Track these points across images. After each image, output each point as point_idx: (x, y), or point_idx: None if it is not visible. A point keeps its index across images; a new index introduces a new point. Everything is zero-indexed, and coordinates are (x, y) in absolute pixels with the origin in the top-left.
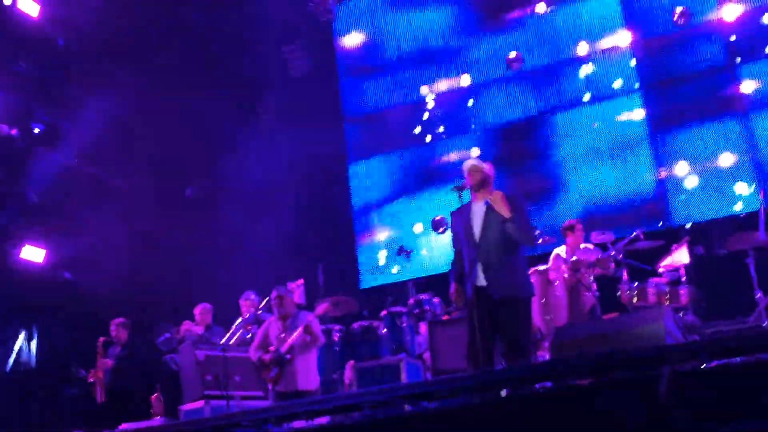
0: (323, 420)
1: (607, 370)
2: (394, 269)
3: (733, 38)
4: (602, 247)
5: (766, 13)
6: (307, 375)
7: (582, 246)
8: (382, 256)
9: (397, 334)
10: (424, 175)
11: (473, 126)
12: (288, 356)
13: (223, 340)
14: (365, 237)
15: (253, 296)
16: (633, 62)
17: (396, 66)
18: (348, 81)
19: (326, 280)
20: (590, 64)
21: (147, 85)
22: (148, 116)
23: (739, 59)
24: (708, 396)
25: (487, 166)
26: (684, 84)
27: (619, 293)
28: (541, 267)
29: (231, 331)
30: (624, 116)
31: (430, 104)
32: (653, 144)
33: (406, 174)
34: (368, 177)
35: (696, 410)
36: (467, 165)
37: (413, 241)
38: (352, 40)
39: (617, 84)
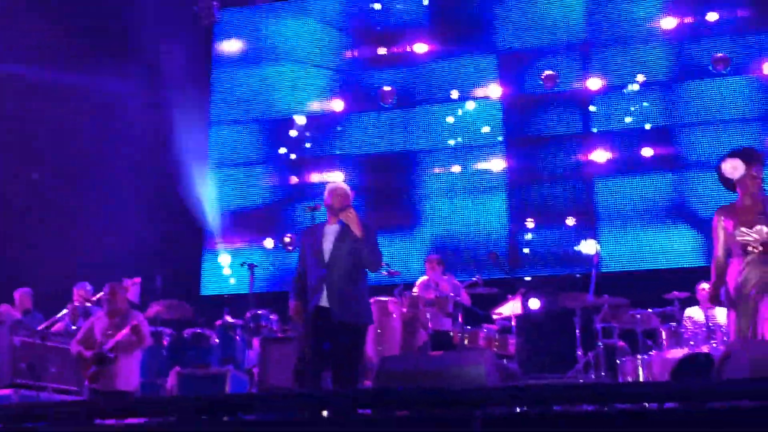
0: (135, 421)
1: (423, 404)
2: (237, 281)
3: (592, 108)
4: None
5: (627, 86)
6: (128, 376)
7: (432, 282)
8: (227, 266)
9: (229, 345)
10: (283, 191)
11: (338, 151)
12: (111, 355)
13: (41, 327)
14: (214, 244)
15: (88, 287)
16: (500, 116)
17: (271, 79)
18: (220, 84)
19: (167, 282)
20: (460, 110)
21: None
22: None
23: (595, 129)
24: None
25: (348, 190)
26: (543, 143)
27: (452, 334)
28: (382, 297)
29: (53, 319)
30: (485, 165)
31: (300, 122)
32: (509, 195)
33: (264, 188)
34: (227, 184)
35: None
36: (334, 186)
37: (261, 255)
38: (231, 46)
39: (484, 130)
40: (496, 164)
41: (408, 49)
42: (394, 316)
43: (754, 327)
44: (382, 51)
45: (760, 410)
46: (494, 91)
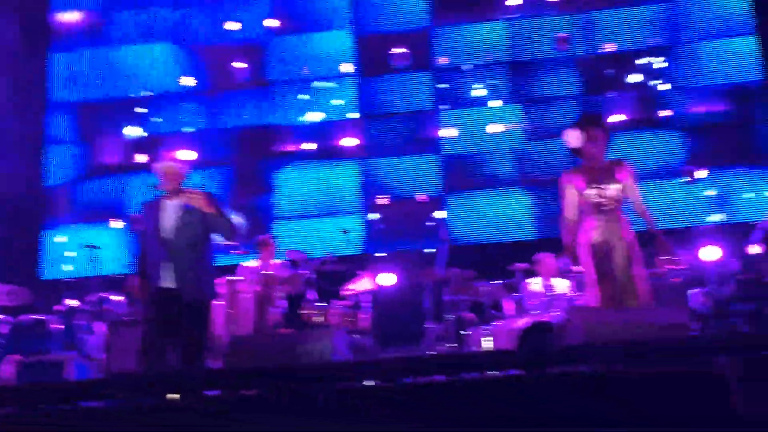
0: None
1: (273, 382)
2: (79, 263)
3: (441, 86)
4: (295, 264)
5: (466, 65)
6: None
7: (276, 261)
8: (68, 247)
9: (72, 331)
10: (126, 169)
11: (189, 128)
12: None
13: None
14: (53, 224)
15: None
16: (355, 93)
17: (116, 55)
18: (59, 60)
19: (3, 266)
20: (314, 85)
21: None
22: None
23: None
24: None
25: (182, 165)
26: (396, 119)
27: (304, 312)
28: (233, 277)
29: None
30: (340, 141)
31: (147, 99)
32: (362, 171)
33: (107, 165)
34: (66, 161)
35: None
36: (163, 166)
37: (105, 236)
38: (71, 17)
39: (336, 102)
40: (350, 141)
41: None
42: (246, 295)
43: (614, 282)
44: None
45: (593, 375)
46: (348, 67)
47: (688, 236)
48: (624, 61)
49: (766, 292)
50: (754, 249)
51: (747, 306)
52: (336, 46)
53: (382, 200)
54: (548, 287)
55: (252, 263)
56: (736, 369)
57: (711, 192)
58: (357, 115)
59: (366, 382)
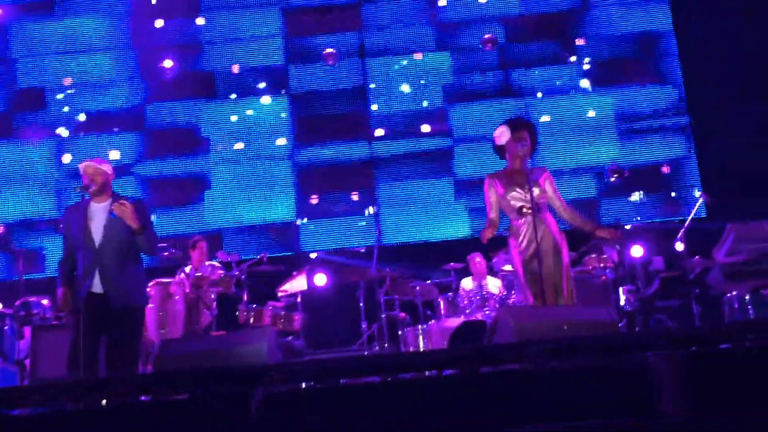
0: None
1: (204, 385)
2: (7, 266)
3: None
4: (227, 266)
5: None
6: None
7: (207, 263)
8: None
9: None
10: (58, 168)
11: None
12: None
13: None
14: None
15: None
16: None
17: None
18: None
19: None
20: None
21: None
22: None
23: (375, 106)
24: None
25: (107, 167)
26: (328, 120)
27: (237, 313)
28: (163, 279)
29: None
30: (271, 143)
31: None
32: (295, 172)
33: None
34: None
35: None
36: (85, 166)
37: (31, 237)
38: None
39: (264, 101)
40: (281, 141)
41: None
42: (177, 297)
43: (543, 282)
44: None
45: (525, 372)
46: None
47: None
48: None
49: (689, 289)
50: (678, 246)
51: (671, 302)
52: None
53: (314, 199)
54: (481, 286)
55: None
56: (661, 365)
57: (636, 195)
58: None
59: (300, 384)
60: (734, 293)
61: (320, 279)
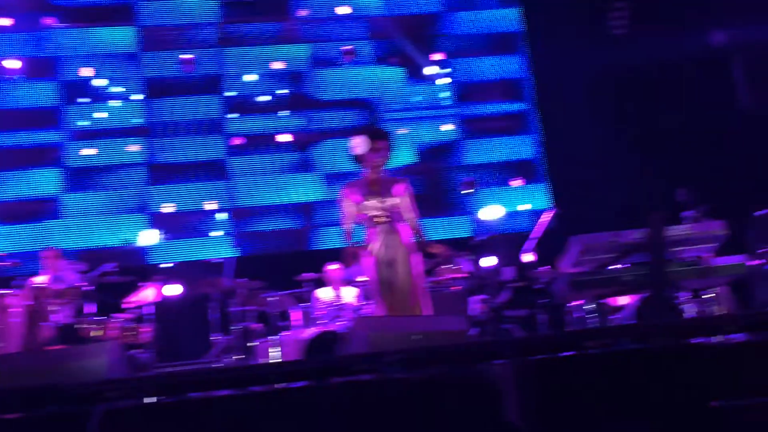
0: None
1: (37, 404)
2: None
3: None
4: (71, 276)
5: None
6: None
7: (59, 273)
8: None
9: None
10: None
11: None
12: None
13: None
14: None
15: None
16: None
17: None
18: None
19: None
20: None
21: None
22: None
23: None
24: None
25: None
26: (182, 128)
27: (82, 326)
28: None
29: None
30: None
31: None
32: (149, 180)
33: None
34: None
35: None
36: None
37: None
38: None
39: (115, 104)
40: (133, 148)
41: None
42: (14, 310)
43: (396, 292)
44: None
45: (377, 382)
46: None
47: (468, 245)
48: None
49: (537, 298)
50: (527, 257)
51: (520, 311)
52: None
53: (167, 208)
54: (336, 297)
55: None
56: (507, 373)
57: (496, 208)
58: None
59: (146, 399)
60: (578, 302)
61: (171, 290)
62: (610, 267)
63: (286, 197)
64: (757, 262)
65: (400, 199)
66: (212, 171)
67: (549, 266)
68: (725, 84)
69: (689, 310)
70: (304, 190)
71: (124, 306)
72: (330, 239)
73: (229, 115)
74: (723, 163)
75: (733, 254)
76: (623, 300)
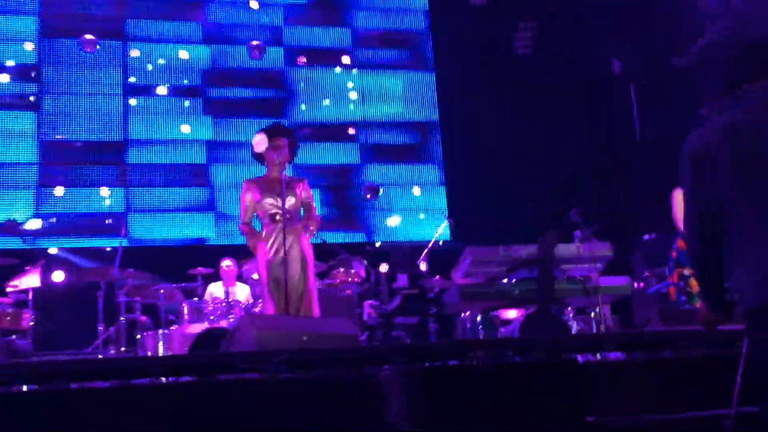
0: None
1: None
2: None
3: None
4: None
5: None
6: None
7: None
8: None
9: None
10: None
11: None
12: None
13: None
14: None
15: None
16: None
17: None
18: None
19: None
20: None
21: None
22: None
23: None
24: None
25: None
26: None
27: None
28: None
29: None
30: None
31: None
32: (41, 157)
33: None
34: None
35: None
36: None
37: None
38: None
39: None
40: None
41: None
42: None
43: (288, 291)
44: None
45: (263, 381)
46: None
47: (364, 251)
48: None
49: (428, 307)
50: (422, 266)
51: (410, 319)
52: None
53: (59, 190)
54: (228, 293)
55: None
56: (394, 378)
57: (395, 218)
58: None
59: (22, 387)
60: (468, 313)
61: (57, 276)
62: (501, 280)
63: (185, 191)
64: (640, 284)
65: (301, 197)
66: (110, 154)
67: (441, 277)
68: (625, 110)
69: (574, 326)
70: (203, 184)
71: (7, 290)
72: (227, 235)
73: (131, 100)
74: (615, 187)
75: (618, 275)
76: (512, 313)
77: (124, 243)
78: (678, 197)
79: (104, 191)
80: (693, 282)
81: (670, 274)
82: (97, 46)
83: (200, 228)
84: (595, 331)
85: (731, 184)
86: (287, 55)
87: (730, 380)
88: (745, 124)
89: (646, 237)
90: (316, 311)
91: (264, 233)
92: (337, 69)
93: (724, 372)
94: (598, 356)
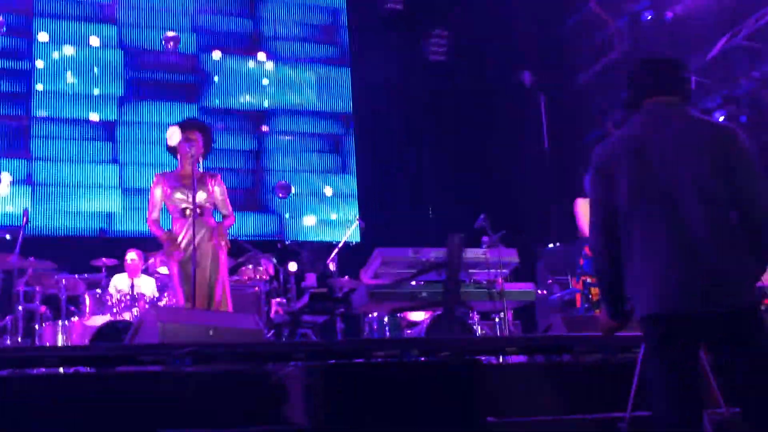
0: None
1: None
2: None
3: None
4: None
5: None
6: None
7: None
8: None
9: None
10: None
11: None
12: None
13: None
14: None
15: None
16: None
17: None
18: None
19: None
20: None
21: None
22: None
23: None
24: None
25: None
26: None
27: None
28: None
29: None
30: None
31: None
32: None
33: None
34: None
35: None
36: None
37: None
38: None
39: None
40: None
41: None
42: None
43: (197, 285)
44: None
45: (165, 374)
46: None
47: (273, 249)
48: None
49: (335, 306)
50: (331, 266)
51: (318, 318)
52: None
53: None
54: (132, 286)
55: None
56: (298, 375)
57: (311, 218)
58: None
59: None
60: (375, 314)
61: None
62: (409, 282)
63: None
64: (543, 291)
65: (213, 192)
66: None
67: (350, 277)
68: (537, 120)
69: (478, 330)
70: (110, 174)
71: None
72: (133, 226)
73: (38, 86)
74: (524, 195)
75: (523, 282)
76: (419, 315)
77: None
78: (582, 205)
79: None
80: (594, 290)
81: (577, 281)
82: (3, 28)
83: (107, 218)
84: (498, 334)
85: (626, 196)
86: (199, 41)
87: (626, 384)
88: (639, 138)
89: (550, 246)
90: (230, 306)
91: (174, 227)
92: (251, 63)
93: (621, 377)
94: (501, 359)
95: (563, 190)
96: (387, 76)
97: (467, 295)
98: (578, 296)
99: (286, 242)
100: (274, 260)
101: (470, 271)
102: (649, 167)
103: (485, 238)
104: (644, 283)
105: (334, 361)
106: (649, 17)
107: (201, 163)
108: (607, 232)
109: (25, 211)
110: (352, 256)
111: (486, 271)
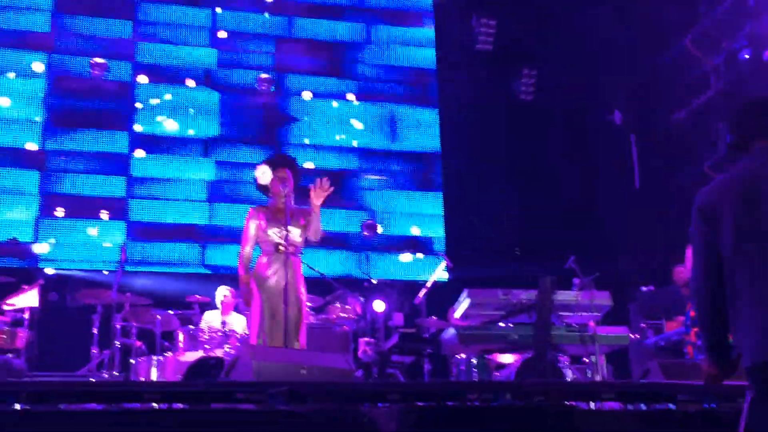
0: None
1: None
2: None
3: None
4: None
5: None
6: None
7: None
8: None
9: None
10: None
11: None
12: None
13: None
14: None
15: None
16: (41, 95)
17: None
18: None
19: None
20: None
21: None
22: None
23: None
24: None
25: None
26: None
27: None
28: None
29: None
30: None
31: None
32: (43, 181)
33: None
34: None
35: None
36: None
37: None
38: None
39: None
40: (31, 146)
41: None
42: None
43: (283, 323)
44: None
45: (259, 412)
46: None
47: (360, 287)
48: None
49: (423, 347)
50: (418, 306)
51: (406, 358)
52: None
53: (60, 212)
54: (224, 323)
55: None
56: (390, 416)
57: (407, 256)
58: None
59: (15, 406)
60: (463, 355)
61: (54, 296)
62: (498, 323)
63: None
64: (636, 335)
65: (306, 228)
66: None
67: (437, 317)
68: (626, 160)
69: (569, 374)
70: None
71: (2, 307)
72: (225, 262)
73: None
74: (615, 238)
75: (615, 326)
76: (507, 357)
77: (123, 266)
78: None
79: (104, 214)
80: None
81: (687, 332)
82: None
83: (197, 255)
84: (590, 379)
85: (731, 240)
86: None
87: None
88: (747, 181)
89: (644, 288)
90: (303, 343)
91: (263, 263)
92: (334, 103)
93: (725, 427)
94: (592, 405)
95: (655, 230)
96: (475, 116)
97: (558, 338)
98: (689, 348)
99: (373, 281)
100: (362, 299)
101: (561, 313)
102: (758, 210)
103: (576, 280)
104: (752, 330)
105: (423, 403)
106: (747, 56)
107: (293, 198)
108: (711, 276)
109: (123, 247)
110: (437, 295)
111: (577, 314)
